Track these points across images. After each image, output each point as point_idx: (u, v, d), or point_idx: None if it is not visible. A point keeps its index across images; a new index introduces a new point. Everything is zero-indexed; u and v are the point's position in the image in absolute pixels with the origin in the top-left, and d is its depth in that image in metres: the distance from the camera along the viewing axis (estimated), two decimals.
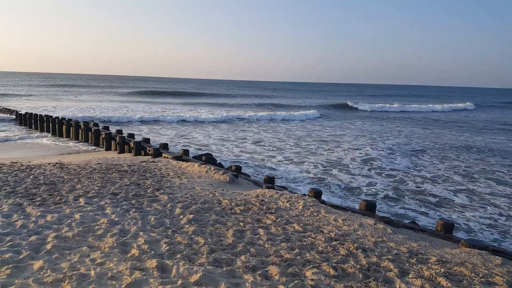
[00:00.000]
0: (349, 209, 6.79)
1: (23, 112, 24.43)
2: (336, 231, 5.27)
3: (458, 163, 15.74)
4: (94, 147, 15.27)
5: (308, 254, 4.34)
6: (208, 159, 10.54)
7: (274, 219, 5.64)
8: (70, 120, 17.40)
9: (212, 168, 8.90)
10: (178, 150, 14.25)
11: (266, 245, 4.51)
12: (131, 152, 12.53)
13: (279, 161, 14.80)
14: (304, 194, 7.88)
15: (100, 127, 15.49)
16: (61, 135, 18.00)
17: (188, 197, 6.53)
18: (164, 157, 10.93)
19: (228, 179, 8.19)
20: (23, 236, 4.29)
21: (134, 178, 7.84)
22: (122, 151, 12.87)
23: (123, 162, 10.03)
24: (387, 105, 53.61)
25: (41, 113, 21.93)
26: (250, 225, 5.26)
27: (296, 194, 7.12)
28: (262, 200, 6.70)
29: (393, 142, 20.89)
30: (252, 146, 18.19)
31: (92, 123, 16.36)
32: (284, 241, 4.73)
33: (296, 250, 4.41)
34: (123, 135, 13.39)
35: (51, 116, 19.42)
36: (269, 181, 8.49)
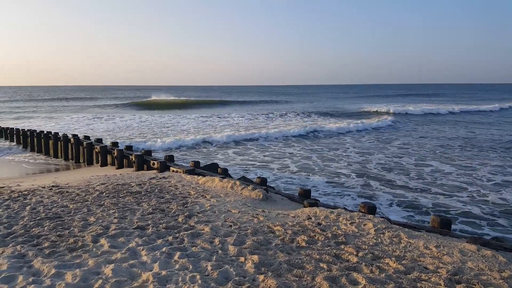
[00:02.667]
0: (422, 228, 5.51)
1: (3, 126, 22.09)
2: (442, 266, 3.93)
3: None
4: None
5: None
6: (224, 170, 9.06)
7: (355, 253, 4.26)
8: (57, 134, 15.40)
9: (237, 183, 7.43)
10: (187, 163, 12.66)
11: None
12: (132, 167, 10.86)
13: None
14: (347, 209, 6.57)
15: (92, 140, 13.66)
16: (47, 153, 15.93)
17: (231, 226, 5.06)
18: (173, 171, 9.36)
19: (261, 196, 6.75)
20: None
21: (153, 201, 6.28)
22: (120, 166, 11.16)
23: (129, 180, 8.40)
24: (440, 107, 46.38)
25: (23, 128, 19.76)
26: (335, 266, 3.85)
27: (355, 213, 5.76)
28: (319, 224, 5.31)
29: None
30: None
31: (83, 136, 14.48)
32: None
33: None
34: (120, 147, 11.68)
35: (35, 131, 17.33)
36: (305, 195, 7.12)
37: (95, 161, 13.03)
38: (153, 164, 9.89)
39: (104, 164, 12.02)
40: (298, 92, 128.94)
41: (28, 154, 16.75)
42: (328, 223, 5.32)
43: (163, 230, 4.77)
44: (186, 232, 4.66)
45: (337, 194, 10.91)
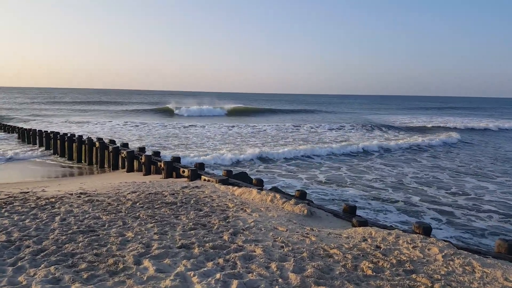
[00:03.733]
0: (486, 253, 4.85)
1: (25, 127, 21.98)
2: None
3: None
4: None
5: None
6: (258, 181, 8.49)
7: (430, 284, 3.62)
8: (81, 136, 15.06)
9: (277, 196, 6.85)
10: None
11: None
12: (160, 174, 10.38)
13: None
14: (404, 230, 5.94)
15: (118, 144, 13.25)
16: (71, 158, 15.56)
17: (283, 247, 4.47)
18: (204, 179, 8.83)
19: (305, 212, 6.16)
20: None
21: (192, 214, 5.74)
22: (148, 172, 10.69)
23: (161, 188, 7.89)
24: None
25: (46, 129, 19.54)
26: None
27: (415, 235, 5.12)
28: (378, 247, 4.69)
29: None
30: None
31: (108, 140, 14.09)
32: None
33: None
34: (148, 153, 11.21)
35: (58, 133, 17.05)
36: (350, 211, 6.50)
37: (120, 166, 12.60)
38: (183, 171, 9.38)
39: (130, 169, 11.58)
40: (321, 101, 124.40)
41: (51, 157, 16.47)
42: (388, 247, 4.70)
43: (211, 250, 4.21)
44: (236, 254, 4.09)
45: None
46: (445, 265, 4.16)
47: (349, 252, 4.44)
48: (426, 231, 5.51)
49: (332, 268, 3.94)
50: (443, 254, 4.44)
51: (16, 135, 22.84)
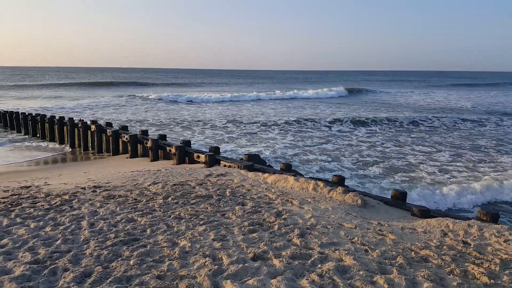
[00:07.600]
0: None
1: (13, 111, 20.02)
2: None
3: None
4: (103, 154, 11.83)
5: None
6: (287, 165, 7.66)
7: None
8: (72, 119, 13.61)
9: (320, 183, 6.05)
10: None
11: None
12: (169, 159, 9.37)
13: None
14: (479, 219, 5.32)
15: (117, 128, 11.99)
16: (62, 142, 14.14)
17: (367, 251, 3.67)
18: (224, 165, 7.91)
19: (359, 202, 5.41)
20: None
21: (239, 211, 4.83)
22: (156, 158, 9.62)
23: (183, 177, 6.91)
24: None
25: (37, 112, 17.78)
26: None
27: (498, 226, 4.47)
28: (466, 243, 3.99)
29: None
30: None
31: (105, 123, 12.78)
32: None
33: None
34: (154, 137, 10.09)
35: (45, 116, 15.46)
36: (402, 198, 5.81)
37: (121, 151, 11.42)
38: (198, 157, 8.41)
39: (134, 155, 10.44)
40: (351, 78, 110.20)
41: (38, 143, 14.98)
42: (477, 242, 4.02)
43: (294, 262, 3.36)
44: (327, 266, 3.27)
45: None
46: None
47: (442, 253, 3.72)
48: (494, 218, 4.90)
49: (442, 277, 3.20)
50: None
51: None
